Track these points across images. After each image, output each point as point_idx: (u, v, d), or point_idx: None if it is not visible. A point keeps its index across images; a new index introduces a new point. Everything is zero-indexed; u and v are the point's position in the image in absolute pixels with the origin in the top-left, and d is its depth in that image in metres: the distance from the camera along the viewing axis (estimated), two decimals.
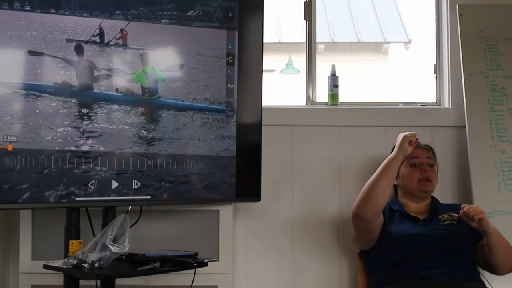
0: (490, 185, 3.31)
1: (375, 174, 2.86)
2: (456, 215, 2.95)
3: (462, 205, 2.77)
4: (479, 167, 3.34)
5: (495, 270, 2.88)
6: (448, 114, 3.63)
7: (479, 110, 3.43)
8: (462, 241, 2.86)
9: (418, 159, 3.06)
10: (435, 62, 3.81)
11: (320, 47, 4.06)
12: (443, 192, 3.47)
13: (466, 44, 3.53)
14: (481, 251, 2.89)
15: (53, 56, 2.57)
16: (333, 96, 3.65)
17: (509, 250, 2.84)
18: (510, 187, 3.32)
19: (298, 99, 3.80)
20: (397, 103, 3.76)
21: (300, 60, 3.83)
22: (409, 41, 4.45)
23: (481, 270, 2.96)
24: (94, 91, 2.64)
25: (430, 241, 2.84)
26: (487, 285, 2.82)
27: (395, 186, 3.17)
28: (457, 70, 3.58)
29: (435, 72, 3.81)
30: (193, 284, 2.87)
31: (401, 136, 2.86)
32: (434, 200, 3.14)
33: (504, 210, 3.24)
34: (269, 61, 3.92)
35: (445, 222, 2.95)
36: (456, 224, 2.93)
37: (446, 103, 3.71)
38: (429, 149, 3.15)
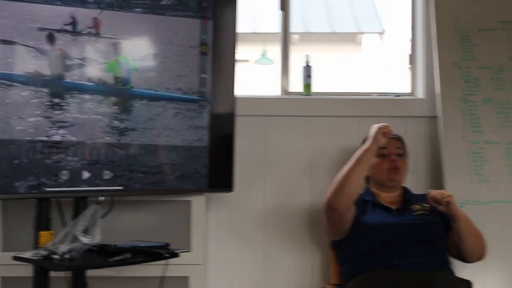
0: (462, 175, 3.33)
1: (348, 165, 2.86)
2: (428, 205, 2.97)
3: (429, 190, 2.81)
4: (452, 157, 3.36)
5: (464, 257, 2.90)
6: (421, 104, 3.64)
7: (453, 101, 3.45)
8: (434, 231, 2.88)
9: (387, 149, 3.07)
10: (409, 53, 3.82)
11: (294, 37, 4.04)
12: (416, 182, 3.48)
13: (441, 35, 3.54)
14: (451, 239, 2.91)
15: (25, 45, 2.53)
16: (307, 86, 3.64)
17: (478, 236, 2.87)
18: (481, 177, 3.34)
19: (272, 90, 3.80)
20: (371, 94, 3.77)
21: (275, 51, 3.82)
22: (383, 32, 4.46)
23: (453, 261, 2.98)
24: (66, 80, 2.60)
25: (403, 230, 2.85)
26: (458, 275, 2.85)
27: (366, 177, 3.18)
28: (431, 61, 3.59)
29: (409, 63, 3.82)
30: (165, 275, 2.87)
31: (375, 127, 2.87)
32: (406, 190, 3.15)
33: (476, 200, 3.26)
34: (243, 51, 3.90)
35: (418, 212, 2.97)
36: (428, 214, 2.95)
37: (420, 93, 3.72)
38: (398, 139, 3.16)
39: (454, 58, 3.51)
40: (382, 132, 2.84)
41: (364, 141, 3.00)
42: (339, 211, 2.83)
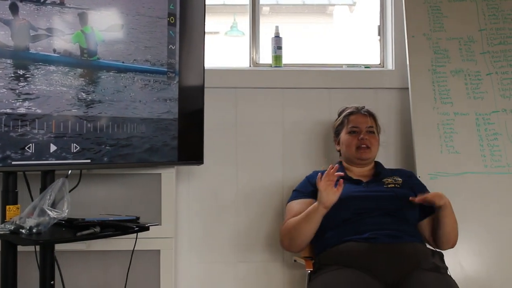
0: (432, 147, 3.35)
1: (298, 220, 2.88)
2: (400, 179, 3.01)
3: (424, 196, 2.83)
4: (422, 129, 3.38)
5: (439, 244, 2.93)
6: (391, 76, 3.64)
7: (422, 72, 3.46)
8: (405, 203, 2.88)
9: (357, 128, 3.10)
10: (378, 24, 3.81)
11: (264, 9, 4.01)
12: (386, 154, 3.50)
13: (410, 6, 3.54)
14: (428, 225, 2.96)
15: None
16: (277, 58, 3.63)
17: (456, 226, 2.90)
18: (451, 148, 3.36)
19: (242, 62, 3.77)
20: (341, 65, 3.76)
21: (245, 23, 3.80)
22: (354, 4, 4.43)
23: None
24: (30, 51, 2.54)
25: (374, 202, 2.86)
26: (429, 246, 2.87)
27: (338, 150, 3.21)
28: (400, 32, 3.60)
29: (379, 34, 3.81)
30: (136, 249, 2.85)
31: (319, 185, 2.79)
32: (377, 164, 3.17)
33: (446, 171, 3.28)
34: (213, 23, 3.87)
35: (389, 186, 2.98)
36: (399, 187, 2.96)
37: (390, 65, 3.72)
38: (368, 115, 3.16)
39: (423, 29, 3.51)
40: (325, 189, 2.75)
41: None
42: (296, 251, 2.98)
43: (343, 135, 3.14)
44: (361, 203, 2.86)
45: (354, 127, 3.10)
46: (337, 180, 2.78)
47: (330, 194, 2.75)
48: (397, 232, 2.76)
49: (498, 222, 3.26)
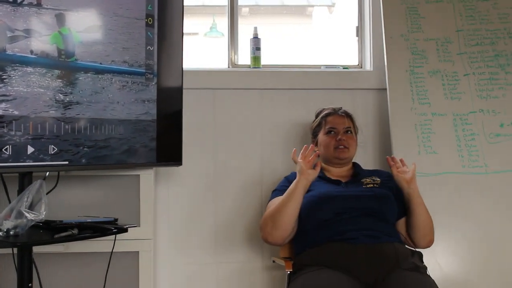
0: (410, 147, 3.37)
1: (280, 201, 2.87)
2: (378, 179, 3.02)
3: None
4: (400, 130, 3.40)
5: (415, 243, 2.94)
6: (369, 76, 3.66)
7: (400, 73, 3.48)
8: (384, 203, 2.89)
9: (335, 128, 3.11)
10: (357, 25, 3.82)
11: (244, 10, 4.02)
12: (364, 155, 3.51)
13: (387, 7, 3.57)
14: (402, 224, 2.97)
15: None
16: (255, 59, 3.64)
17: (430, 223, 2.92)
18: (429, 148, 3.39)
19: (221, 63, 3.77)
20: (320, 66, 3.77)
21: (225, 24, 3.80)
22: (333, 5, 4.44)
23: None
24: (7, 53, 2.51)
25: (352, 202, 2.86)
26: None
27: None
28: (378, 33, 3.62)
29: (357, 35, 3.83)
30: (114, 251, 2.84)
31: (298, 163, 2.88)
32: (356, 165, 3.18)
33: (423, 172, 3.30)
34: (193, 24, 3.87)
35: (368, 186, 2.99)
36: (378, 187, 2.98)
37: (368, 65, 3.74)
38: (346, 116, 3.17)
39: (401, 30, 3.54)
40: (303, 164, 2.84)
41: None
42: (277, 244, 2.93)
43: (321, 136, 3.14)
44: (340, 203, 2.85)
45: (332, 128, 3.11)
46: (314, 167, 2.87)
47: (309, 170, 2.82)
48: (376, 232, 2.76)
49: (475, 222, 3.29)
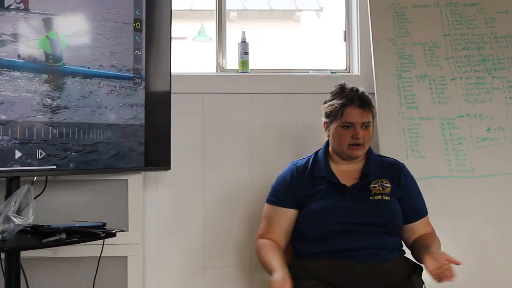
0: (399, 152, 3.37)
1: (262, 256, 2.75)
2: (389, 185, 2.81)
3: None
4: (388, 134, 3.41)
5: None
6: (357, 81, 3.65)
7: (388, 77, 3.49)
8: (390, 218, 2.75)
9: (351, 124, 2.80)
10: (344, 29, 3.84)
11: (232, 14, 4.03)
12: None
13: (375, 11, 3.58)
14: (404, 231, 2.87)
15: None
16: (243, 63, 3.64)
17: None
18: (417, 153, 3.40)
19: (209, 67, 3.78)
20: (308, 71, 3.78)
21: (213, 28, 3.80)
22: (321, 9, 4.46)
23: None
24: None
25: (356, 217, 2.71)
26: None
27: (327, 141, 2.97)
28: (366, 38, 3.62)
29: (345, 40, 3.84)
30: (102, 255, 2.84)
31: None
32: (367, 159, 2.91)
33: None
34: (181, 28, 3.87)
35: (376, 197, 2.77)
36: (387, 198, 2.78)
37: (356, 70, 3.75)
38: (365, 107, 2.84)
39: (388, 35, 3.55)
40: None
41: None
42: None
43: (335, 127, 2.82)
44: (343, 218, 2.69)
45: (349, 123, 2.79)
46: None
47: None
48: (379, 250, 2.68)
49: (463, 226, 3.30)
